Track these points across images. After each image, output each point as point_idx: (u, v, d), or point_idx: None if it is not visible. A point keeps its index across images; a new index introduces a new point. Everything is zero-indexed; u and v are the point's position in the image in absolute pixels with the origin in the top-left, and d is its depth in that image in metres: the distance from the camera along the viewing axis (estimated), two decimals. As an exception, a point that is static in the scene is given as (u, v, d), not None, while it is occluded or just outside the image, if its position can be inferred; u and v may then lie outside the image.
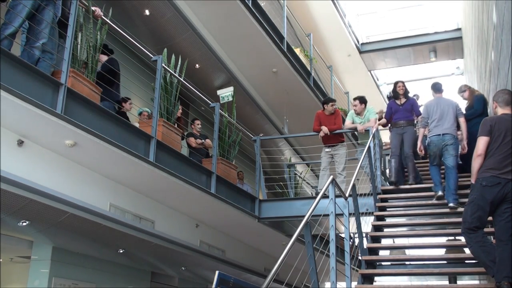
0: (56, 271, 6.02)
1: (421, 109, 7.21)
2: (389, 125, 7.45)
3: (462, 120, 6.26)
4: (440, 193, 6.01)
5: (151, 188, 6.39)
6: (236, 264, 8.62)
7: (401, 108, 7.16)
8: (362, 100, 7.72)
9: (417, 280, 11.20)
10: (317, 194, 7.90)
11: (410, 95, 7.77)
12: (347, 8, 14.94)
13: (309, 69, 11.24)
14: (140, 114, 7.14)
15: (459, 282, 8.90)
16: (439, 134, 6.11)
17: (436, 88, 6.69)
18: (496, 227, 3.92)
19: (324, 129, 7.49)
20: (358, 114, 7.71)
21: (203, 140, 7.66)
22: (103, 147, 5.01)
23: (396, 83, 7.36)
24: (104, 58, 5.86)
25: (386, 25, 16.40)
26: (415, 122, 7.25)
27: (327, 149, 7.68)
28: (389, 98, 8.60)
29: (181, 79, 6.67)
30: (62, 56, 4.63)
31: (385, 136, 9.67)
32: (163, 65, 6.09)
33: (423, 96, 13.35)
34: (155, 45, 8.27)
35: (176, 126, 6.48)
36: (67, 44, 4.64)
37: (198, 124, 7.87)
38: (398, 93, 7.25)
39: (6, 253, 6.74)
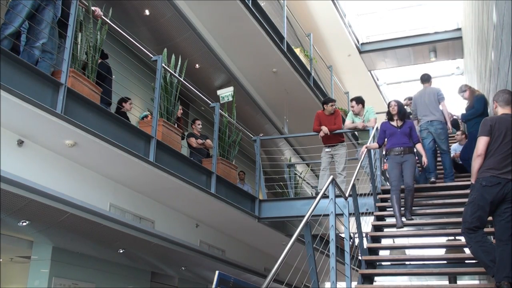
0: (56, 271, 6.03)
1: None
2: (384, 152, 6.45)
3: (442, 104, 7.01)
4: (432, 179, 6.70)
5: (151, 188, 6.40)
6: (236, 264, 8.62)
7: (398, 132, 6.19)
8: (359, 100, 7.70)
9: (417, 280, 11.23)
10: (317, 194, 7.90)
11: (411, 94, 7.77)
12: (347, 8, 14.94)
13: (309, 69, 11.24)
14: (143, 118, 6.95)
15: (459, 282, 8.92)
16: (428, 121, 6.91)
17: (424, 79, 7.41)
18: (496, 227, 3.91)
19: (324, 129, 7.49)
20: (357, 114, 7.70)
21: (203, 141, 7.66)
22: (103, 147, 5.01)
23: (389, 103, 6.45)
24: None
25: (386, 25, 16.41)
26: (415, 150, 6.28)
27: (327, 149, 7.68)
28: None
29: (181, 79, 6.67)
30: (62, 56, 4.63)
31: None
32: (163, 65, 6.09)
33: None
34: (155, 45, 8.27)
35: (176, 126, 6.47)
36: (67, 44, 4.64)
37: (198, 124, 7.86)
38: (392, 114, 6.32)
39: (6, 253, 6.74)
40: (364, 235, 5.66)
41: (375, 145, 6.37)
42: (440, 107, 6.94)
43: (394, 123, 6.27)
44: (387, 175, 6.31)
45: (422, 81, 7.41)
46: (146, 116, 6.81)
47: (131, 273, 7.59)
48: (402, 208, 5.97)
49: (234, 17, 8.61)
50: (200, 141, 7.61)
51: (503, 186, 3.84)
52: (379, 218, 6.25)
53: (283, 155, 12.21)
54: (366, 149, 6.20)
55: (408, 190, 5.94)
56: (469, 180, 4.31)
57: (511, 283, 3.65)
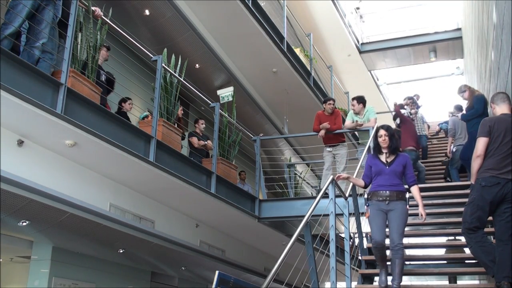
0: (56, 271, 6.03)
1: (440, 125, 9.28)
2: (366, 195, 4.72)
3: None
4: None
5: (151, 188, 6.40)
6: (236, 264, 8.62)
7: (387, 170, 4.54)
8: (360, 99, 7.71)
9: (417, 280, 11.21)
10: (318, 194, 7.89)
11: (411, 94, 7.83)
12: (347, 8, 14.95)
13: (309, 69, 11.24)
14: (143, 118, 6.87)
15: (459, 282, 8.91)
16: (462, 144, 7.78)
17: (458, 107, 9.24)
18: (496, 227, 3.92)
19: (325, 124, 7.48)
20: (357, 113, 7.71)
21: (205, 142, 7.66)
22: (103, 147, 5.01)
23: (376, 131, 4.76)
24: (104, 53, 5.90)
25: (386, 25, 16.44)
26: (408, 196, 4.63)
27: (328, 149, 7.69)
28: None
29: (181, 79, 6.67)
30: (62, 56, 4.63)
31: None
32: (163, 65, 6.09)
33: (423, 96, 13.40)
34: (155, 45, 8.27)
35: (176, 126, 6.47)
36: (67, 44, 4.64)
37: (202, 124, 7.88)
38: (381, 147, 4.68)
39: (6, 253, 6.74)
40: (364, 235, 5.66)
41: (361, 182, 4.74)
42: None
43: (382, 158, 4.64)
44: (369, 225, 4.60)
45: (457, 110, 9.12)
46: (146, 117, 6.81)
47: (131, 273, 7.59)
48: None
49: (234, 17, 8.61)
50: (202, 142, 7.61)
51: (502, 186, 3.84)
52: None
53: (283, 155, 12.22)
54: (346, 176, 4.75)
55: (395, 251, 4.29)
56: (469, 180, 4.31)
57: (511, 283, 3.65)
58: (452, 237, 7.60)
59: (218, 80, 9.79)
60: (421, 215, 4.49)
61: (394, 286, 4.29)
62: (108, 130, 5.04)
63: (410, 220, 6.74)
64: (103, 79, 5.80)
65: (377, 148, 4.69)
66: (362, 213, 5.79)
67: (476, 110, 6.88)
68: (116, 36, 6.24)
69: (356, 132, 8.42)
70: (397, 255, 4.28)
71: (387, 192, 4.43)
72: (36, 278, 5.96)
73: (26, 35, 4.59)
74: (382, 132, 4.63)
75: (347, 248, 4.81)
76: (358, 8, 16.39)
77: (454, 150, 8.23)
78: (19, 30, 4.49)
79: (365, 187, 4.74)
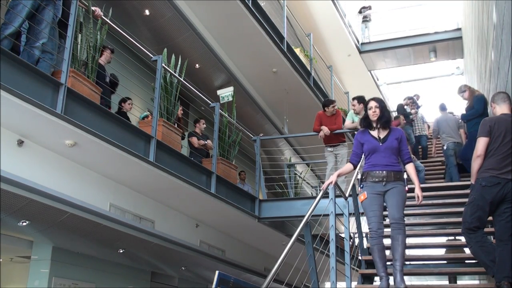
0: (56, 271, 6.03)
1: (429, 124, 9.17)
2: (360, 176, 4.37)
3: (462, 131, 8.35)
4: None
5: (151, 188, 6.40)
6: (236, 264, 8.62)
7: (382, 147, 4.14)
8: (361, 100, 7.70)
9: (417, 280, 11.22)
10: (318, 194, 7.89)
11: (411, 94, 7.81)
12: (347, 8, 14.95)
13: (309, 69, 11.24)
14: (144, 118, 6.86)
15: (459, 282, 8.92)
16: (455, 142, 8.10)
17: (442, 107, 9.23)
18: (496, 227, 3.92)
19: (324, 129, 7.48)
20: (358, 113, 7.71)
21: (205, 142, 7.67)
22: (103, 147, 5.01)
23: (367, 103, 4.28)
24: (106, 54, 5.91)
25: (386, 25, 16.45)
26: (405, 175, 4.21)
27: (329, 149, 7.69)
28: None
29: (181, 79, 6.67)
30: (62, 56, 4.63)
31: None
32: (163, 65, 6.10)
33: (423, 96, 13.39)
34: (155, 45, 8.27)
35: (176, 126, 6.47)
36: (67, 44, 4.64)
37: (203, 124, 7.88)
38: (371, 120, 4.23)
39: (6, 253, 6.74)
40: (364, 235, 5.66)
41: (348, 167, 4.31)
42: (460, 132, 8.35)
43: (374, 133, 4.22)
44: (364, 211, 4.23)
45: (441, 110, 9.19)
46: (146, 117, 6.80)
47: (131, 273, 7.59)
48: (389, 263, 4.19)
49: (234, 17, 8.61)
50: (202, 142, 7.62)
51: (502, 186, 3.84)
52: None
53: (283, 155, 12.22)
54: (335, 179, 4.23)
55: (396, 224, 3.93)
56: (469, 180, 4.31)
57: (511, 283, 3.65)
58: (452, 237, 7.60)
59: (218, 80, 9.79)
60: (418, 196, 4.13)
61: (397, 271, 3.91)
62: (108, 130, 5.04)
63: (410, 220, 6.77)
64: (108, 81, 5.80)
65: (367, 122, 4.23)
66: (362, 213, 5.80)
67: (476, 110, 6.89)
68: (116, 36, 6.24)
69: (356, 132, 8.41)
70: (399, 233, 3.90)
71: (384, 172, 4.05)
72: (36, 278, 5.95)
73: (26, 35, 4.59)
74: (372, 103, 4.20)
75: (347, 248, 4.80)
76: (365, 8, 16.34)
77: (445, 148, 8.27)
78: (19, 30, 4.49)
79: (354, 169, 4.37)
